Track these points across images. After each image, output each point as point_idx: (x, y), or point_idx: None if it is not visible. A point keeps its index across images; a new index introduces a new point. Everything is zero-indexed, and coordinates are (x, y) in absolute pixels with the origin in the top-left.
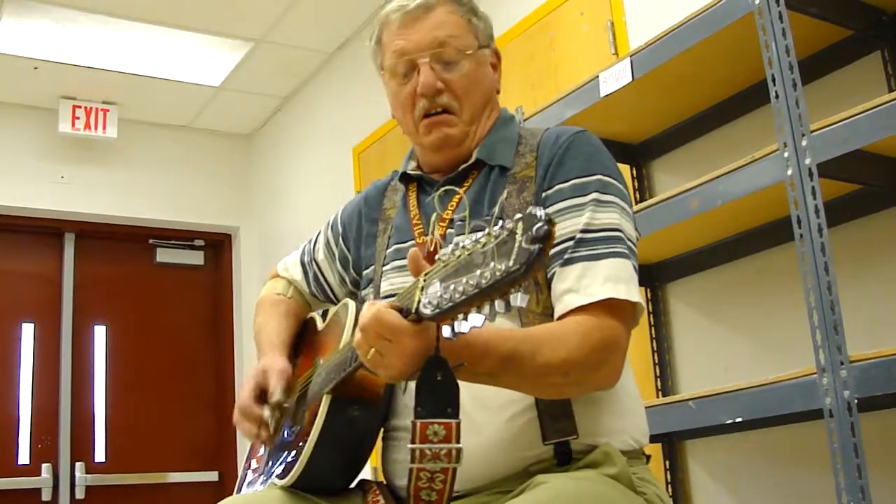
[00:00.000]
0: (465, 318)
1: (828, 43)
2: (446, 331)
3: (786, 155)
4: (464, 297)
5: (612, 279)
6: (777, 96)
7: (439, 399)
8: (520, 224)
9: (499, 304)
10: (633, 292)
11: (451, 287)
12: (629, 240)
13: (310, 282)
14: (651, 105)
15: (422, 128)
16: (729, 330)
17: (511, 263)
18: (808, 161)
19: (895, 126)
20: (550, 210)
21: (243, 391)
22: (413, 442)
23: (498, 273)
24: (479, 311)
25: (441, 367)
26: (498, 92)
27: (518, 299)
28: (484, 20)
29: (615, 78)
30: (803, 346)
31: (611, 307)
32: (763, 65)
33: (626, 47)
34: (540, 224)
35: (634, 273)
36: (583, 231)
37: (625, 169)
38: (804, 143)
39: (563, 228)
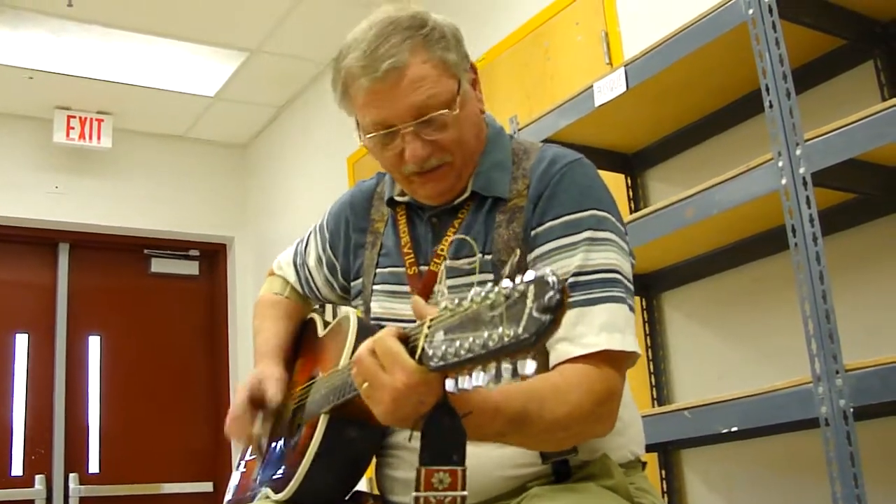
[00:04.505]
0: (470, 375)
1: (821, 52)
2: (450, 384)
3: (780, 164)
4: (470, 355)
5: (608, 328)
6: (771, 105)
7: (446, 446)
8: (531, 288)
9: (505, 369)
10: (628, 341)
11: (458, 343)
12: (625, 279)
13: (302, 284)
14: (645, 115)
15: (414, 182)
16: (724, 339)
17: (520, 331)
18: (802, 170)
19: (889, 134)
20: (542, 250)
21: (237, 399)
22: (417, 489)
23: (506, 339)
24: (484, 372)
25: (448, 414)
26: (482, 111)
27: (527, 367)
28: (454, 44)
29: (609, 87)
30: (799, 355)
31: (608, 357)
32: (757, 74)
33: (620, 57)
34: (552, 293)
35: (631, 316)
36: (576, 274)
37: (619, 179)
38: (798, 152)
39: (556, 270)
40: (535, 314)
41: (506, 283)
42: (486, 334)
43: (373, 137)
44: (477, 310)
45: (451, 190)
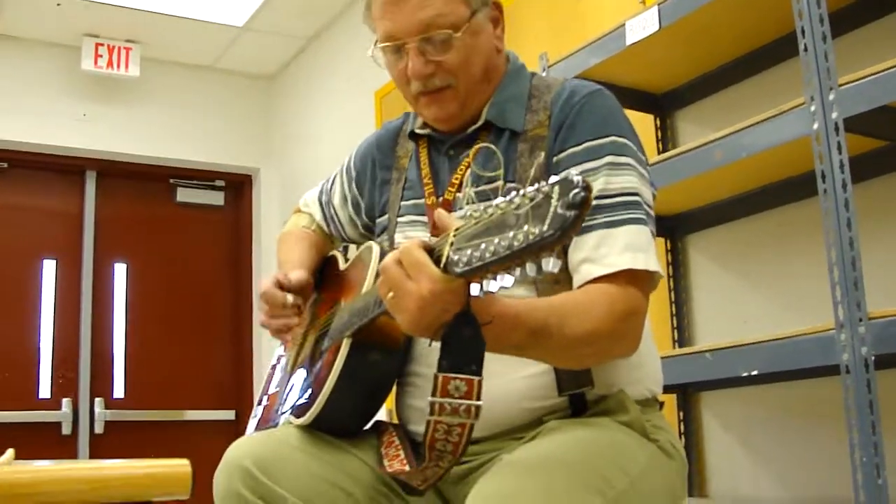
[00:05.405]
0: (494, 278)
1: None
2: (475, 289)
3: (812, 109)
4: (495, 258)
5: (631, 248)
6: (806, 49)
7: (464, 355)
8: (556, 188)
9: (530, 268)
10: (651, 261)
11: (483, 245)
12: (646, 203)
13: (327, 221)
14: (677, 55)
15: (419, 102)
16: (748, 283)
17: (545, 228)
18: (834, 115)
19: None
20: None
21: (264, 282)
22: (433, 395)
23: (531, 237)
24: (509, 273)
25: (469, 322)
26: (500, 50)
27: (550, 264)
28: None
29: (642, 26)
30: (823, 302)
31: (631, 276)
32: (793, 16)
33: None
34: (577, 190)
35: (652, 238)
36: (598, 197)
37: (648, 119)
38: (831, 97)
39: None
40: (559, 211)
41: (530, 188)
42: (511, 234)
43: (383, 48)
44: (502, 215)
45: (455, 116)
